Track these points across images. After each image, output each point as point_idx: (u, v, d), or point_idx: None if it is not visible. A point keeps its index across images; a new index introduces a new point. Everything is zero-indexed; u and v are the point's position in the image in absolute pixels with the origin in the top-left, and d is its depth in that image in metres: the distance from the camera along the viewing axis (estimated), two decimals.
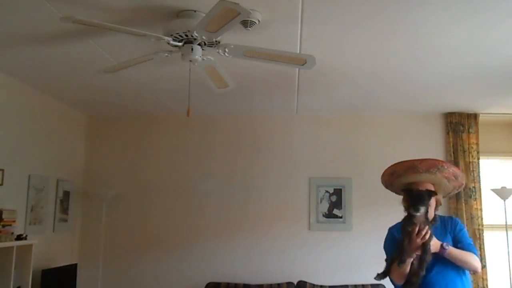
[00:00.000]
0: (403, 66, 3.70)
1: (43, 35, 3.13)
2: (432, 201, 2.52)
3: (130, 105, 5.07)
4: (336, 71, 3.84)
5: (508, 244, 4.79)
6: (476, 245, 4.89)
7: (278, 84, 4.25)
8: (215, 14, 2.37)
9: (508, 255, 4.78)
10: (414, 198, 2.46)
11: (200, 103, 4.76)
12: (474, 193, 4.98)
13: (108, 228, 5.20)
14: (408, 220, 2.44)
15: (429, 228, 2.40)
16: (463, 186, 2.77)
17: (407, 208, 2.50)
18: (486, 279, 4.84)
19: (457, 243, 2.53)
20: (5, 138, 4.01)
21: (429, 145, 5.23)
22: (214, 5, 2.29)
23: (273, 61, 3.00)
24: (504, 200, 4.79)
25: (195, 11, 2.74)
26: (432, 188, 2.57)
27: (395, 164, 2.65)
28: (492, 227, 5.12)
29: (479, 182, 5.02)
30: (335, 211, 5.18)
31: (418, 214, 2.40)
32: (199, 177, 5.33)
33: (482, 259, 4.86)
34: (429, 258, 2.40)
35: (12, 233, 3.75)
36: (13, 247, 3.64)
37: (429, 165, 2.55)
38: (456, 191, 2.82)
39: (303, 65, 3.02)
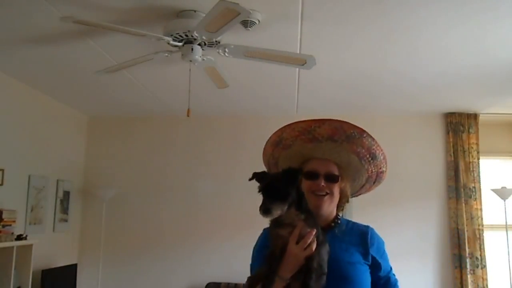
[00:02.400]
0: (403, 66, 3.70)
1: (43, 35, 3.13)
2: (336, 191, 1.65)
3: (130, 105, 5.07)
4: (336, 71, 3.84)
5: (508, 244, 4.79)
6: (476, 245, 4.89)
7: (278, 84, 4.25)
8: (215, 14, 2.37)
9: (508, 255, 4.78)
10: (269, 183, 1.45)
11: (200, 103, 4.76)
12: (474, 193, 4.98)
13: (108, 228, 5.20)
14: (277, 219, 1.48)
15: (319, 233, 1.49)
16: (383, 176, 1.74)
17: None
18: (486, 279, 4.84)
19: (377, 269, 1.66)
20: (5, 138, 4.01)
21: (429, 145, 5.23)
22: (214, 5, 2.29)
23: (273, 61, 3.00)
24: (504, 200, 4.79)
25: (195, 11, 2.74)
26: (336, 171, 1.66)
27: (283, 127, 1.69)
28: (492, 227, 5.11)
29: (479, 182, 5.02)
30: None
31: (270, 216, 1.44)
32: (199, 177, 5.33)
33: (482, 259, 4.87)
34: (315, 286, 1.44)
35: (12, 233, 3.75)
36: (13, 247, 3.64)
37: (334, 129, 1.62)
38: (370, 186, 1.78)
39: (303, 65, 3.02)
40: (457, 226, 4.96)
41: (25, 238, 3.86)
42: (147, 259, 5.23)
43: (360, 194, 1.86)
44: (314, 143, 1.62)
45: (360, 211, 5.12)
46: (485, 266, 4.86)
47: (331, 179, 1.64)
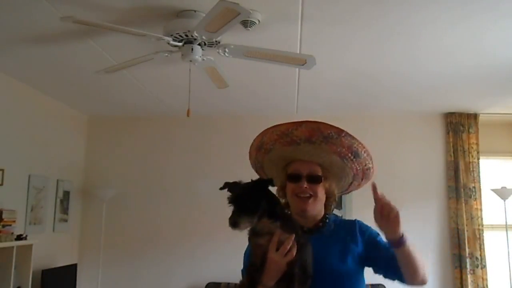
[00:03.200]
0: (403, 66, 3.70)
1: (43, 35, 3.13)
2: (319, 192, 1.63)
3: (130, 105, 5.07)
4: (336, 71, 3.84)
5: (508, 244, 4.79)
6: (476, 245, 4.90)
7: (278, 84, 4.25)
8: (215, 14, 2.37)
9: (508, 255, 4.78)
10: (238, 194, 1.45)
11: (200, 103, 4.76)
12: (474, 193, 4.98)
13: (108, 228, 5.19)
14: (254, 229, 1.46)
15: (299, 236, 1.47)
16: (369, 172, 1.71)
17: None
18: (486, 279, 4.84)
19: (375, 252, 1.64)
20: (5, 138, 4.01)
21: (429, 145, 5.23)
22: (214, 5, 2.29)
23: (273, 61, 3.00)
24: (504, 200, 4.79)
25: (195, 11, 2.74)
26: (319, 172, 1.65)
27: (264, 131, 1.69)
28: (492, 227, 5.11)
29: (479, 182, 5.02)
30: (335, 211, 5.16)
31: (238, 228, 1.40)
32: (199, 177, 5.32)
33: (482, 259, 4.87)
34: None
35: (12, 233, 3.75)
36: (13, 247, 3.64)
37: (311, 130, 1.60)
38: (358, 183, 1.75)
39: (303, 65, 3.02)
40: (457, 226, 4.96)
41: (25, 238, 3.86)
42: (147, 259, 5.23)
43: (351, 191, 1.84)
44: (292, 146, 1.61)
45: (360, 211, 5.13)
46: (485, 266, 4.86)
47: (314, 180, 1.63)
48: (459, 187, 4.99)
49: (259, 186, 1.47)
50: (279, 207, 1.51)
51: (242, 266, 1.69)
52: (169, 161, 5.41)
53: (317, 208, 1.66)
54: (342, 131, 1.61)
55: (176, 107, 5.00)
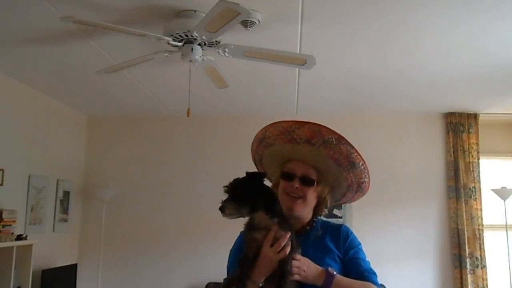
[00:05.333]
0: (403, 66, 3.70)
1: (43, 35, 3.13)
2: (310, 195, 1.63)
3: (130, 105, 5.07)
4: (336, 71, 3.84)
5: (508, 244, 4.79)
6: (476, 245, 4.89)
7: (278, 84, 4.25)
8: (215, 14, 2.37)
9: (508, 255, 4.78)
10: (232, 185, 1.50)
11: (200, 103, 4.76)
12: (474, 193, 4.98)
13: (108, 228, 5.19)
14: (251, 223, 1.52)
15: (293, 237, 1.49)
16: (364, 187, 1.69)
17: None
18: (486, 279, 4.84)
19: (349, 266, 1.61)
20: (5, 138, 4.01)
21: (429, 145, 5.23)
22: (214, 5, 2.29)
23: (273, 61, 3.00)
24: (504, 200, 4.79)
25: (195, 11, 2.74)
26: (313, 175, 1.64)
27: (268, 125, 1.69)
28: (492, 227, 5.12)
29: (479, 182, 5.02)
30: (335, 211, 5.18)
31: (224, 214, 1.48)
32: (199, 177, 5.32)
33: (482, 259, 4.87)
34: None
35: (12, 233, 3.75)
36: (13, 247, 3.64)
37: (312, 132, 1.59)
38: (352, 195, 1.73)
39: (303, 65, 3.02)
40: (457, 226, 4.96)
41: (25, 238, 3.86)
42: (147, 259, 5.23)
43: (344, 203, 1.82)
44: (292, 144, 1.61)
45: (360, 211, 5.14)
46: (485, 266, 4.86)
47: (306, 182, 1.63)
48: (459, 187, 5.00)
49: (252, 177, 1.51)
50: (278, 204, 1.52)
51: None
52: (169, 161, 5.41)
53: (305, 211, 1.65)
54: (343, 138, 1.59)
55: (176, 107, 5.00)
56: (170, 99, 4.77)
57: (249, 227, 1.51)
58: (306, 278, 1.49)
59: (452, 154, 5.10)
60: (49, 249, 4.64)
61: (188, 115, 3.24)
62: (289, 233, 1.47)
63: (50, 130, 4.73)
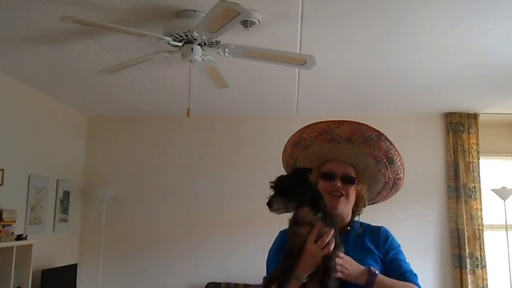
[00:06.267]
0: (403, 66, 3.70)
1: (43, 35, 3.13)
2: (351, 193, 1.64)
3: (130, 105, 5.07)
4: (336, 71, 3.84)
5: (508, 244, 4.79)
6: (476, 245, 4.89)
7: (278, 84, 4.25)
8: (215, 14, 2.37)
9: (508, 255, 4.78)
10: (279, 180, 1.48)
11: (200, 103, 4.76)
12: (474, 193, 4.98)
13: (108, 228, 5.20)
14: (296, 218, 1.52)
15: (337, 234, 1.49)
16: (400, 183, 1.72)
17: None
18: (486, 279, 4.84)
19: (390, 267, 1.62)
20: (5, 138, 4.01)
21: (429, 145, 5.23)
22: (214, 5, 2.29)
23: (273, 61, 3.00)
24: (504, 200, 4.79)
25: (195, 11, 2.74)
26: (353, 174, 1.66)
27: (303, 127, 1.71)
28: (492, 227, 5.12)
29: (479, 182, 5.02)
30: None
31: (271, 208, 1.45)
32: (199, 177, 5.33)
33: (482, 259, 4.87)
34: (334, 285, 1.45)
35: (12, 233, 3.75)
36: (13, 247, 3.64)
37: (352, 130, 1.62)
38: (387, 193, 1.76)
39: (303, 65, 3.02)
40: (457, 226, 4.96)
41: (25, 238, 3.86)
42: (147, 259, 5.23)
43: (377, 202, 1.84)
44: (332, 144, 1.63)
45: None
46: (485, 266, 4.86)
47: (348, 180, 1.64)
48: (459, 187, 5.00)
49: (298, 173, 1.52)
50: (322, 200, 1.52)
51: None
52: (168, 161, 5.41)
53: (346, 209, 1.66)
54: (382, 134, 1.62)
55: (176, 107, 5.00)
56: (170, 99, 4.77)
57: (294, 222, 1.51)
58: (349, 276, 1.49)
59: (452, 154, 5.10)
60: (49, 249, 4.64)
61: (188, 115, 3.24)
62: (333, 230, 1.47)
63: (50, 130, 4.73)
